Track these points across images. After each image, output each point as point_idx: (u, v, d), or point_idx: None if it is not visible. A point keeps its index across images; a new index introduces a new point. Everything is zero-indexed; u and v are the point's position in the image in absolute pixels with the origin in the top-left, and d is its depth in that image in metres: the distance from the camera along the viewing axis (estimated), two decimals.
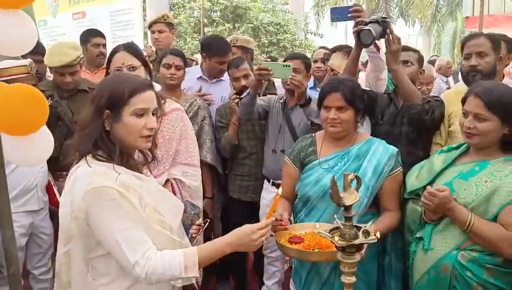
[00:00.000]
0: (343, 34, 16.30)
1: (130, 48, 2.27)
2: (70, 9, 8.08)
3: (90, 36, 3.89)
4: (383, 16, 2.33)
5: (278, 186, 2.75)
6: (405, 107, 2.34)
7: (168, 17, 4.04)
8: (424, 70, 2.72)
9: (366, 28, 2.21)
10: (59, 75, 2.96)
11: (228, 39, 3.80)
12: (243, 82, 2.97)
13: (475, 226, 1.70)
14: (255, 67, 2.82)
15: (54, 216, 2.80)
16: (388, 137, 2.23)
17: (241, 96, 2.83)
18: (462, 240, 1.75)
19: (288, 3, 15.49)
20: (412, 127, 2.35)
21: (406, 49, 2.57)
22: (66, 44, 3.07)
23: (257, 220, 2.98)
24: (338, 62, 2.85)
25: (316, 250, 1.68)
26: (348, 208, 1.40)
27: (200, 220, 1.84)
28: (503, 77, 2.66)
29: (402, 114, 2.40)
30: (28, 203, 2.71)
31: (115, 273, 1.43)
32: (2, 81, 2.91)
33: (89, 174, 1.38)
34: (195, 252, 1.42)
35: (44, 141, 2.02)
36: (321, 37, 15.58)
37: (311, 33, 15.28)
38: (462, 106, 1.85)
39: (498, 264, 1.71)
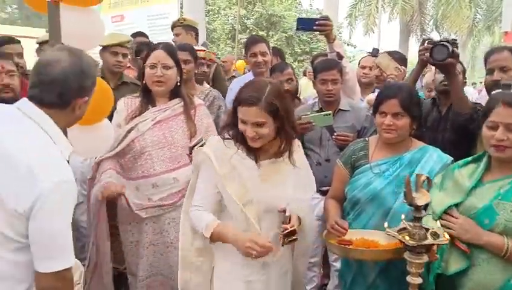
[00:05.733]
0: (376, 43, 16.17)
1: (168, 48, 2.45)
2: (109, 12, 8.33)
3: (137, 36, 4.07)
4: (453, 38, 2.37)
5: (322, 193, 2.80)
6: (454, 114, 2.34)
7: (184, 20, 4.19)
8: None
9: (442, 43, 2.24)
10: (113, 55, 3.15)
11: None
12: (286, 86, 3.02)
13: None
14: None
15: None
16: (431, 143, 2.22)
17: None
18: None
19: (322, 13, 15.53)
20: (456, 134, 2.35)
21: None
22: (118, 33, 3.36)
23: None
24: (385, 62, 2.88)
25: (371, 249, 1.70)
26: (418, 209, 1.42)
27: None
28: None
29: (445, 120, 2.40)
30: None
31: None
32: None
33: None
34: (215, 224, 1.79)
35: (106, 131, 2.12)
36: (354, 47, 15.53)
37: (345, 43, 15.25)
38: (485, 118, 1.74)
39: None
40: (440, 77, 2.58)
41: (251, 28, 13.81)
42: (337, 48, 2.96)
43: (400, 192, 1.91)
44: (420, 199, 1.42)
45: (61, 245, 1.40)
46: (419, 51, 2.38)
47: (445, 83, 2.47)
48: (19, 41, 3.20)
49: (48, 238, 1.37)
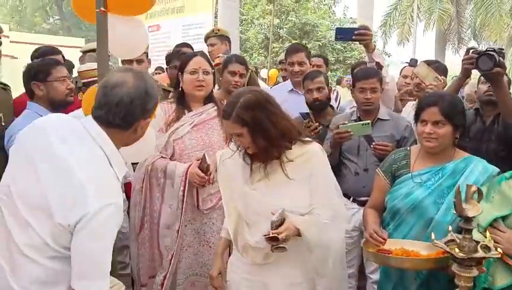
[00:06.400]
0: (411, 53, 15.90)
1: (204, 55, 2.56)
2: (146, 22, 8.57)
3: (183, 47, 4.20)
4: (500, 48, 2.33)
5: (360, 203, 2.77)
6: (503, 126, 2.27)
7: (218, 31, 4.28)
8: None
9: (488, 52, 2.20)
10: (128, 63, 3.26)
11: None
12: (316, 95, 3.02)
13: None
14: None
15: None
16: (474, 154, 2.16)
17: (308, 121, 2.86)
18: None
19: (356, 22, 15.43)
20: (503, 145, 2.28)
21: None
22: None
23: None
24: (424, 71, 2.83)
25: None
26: (468, 220, 1.39)
27: None
28: None
29: (490, 131, 2.33)
30: None
31: None
32: (86, 82, 3.24)
33: None
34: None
35: (148, 136, 2.17)
36: (389, 56, 15.32)
37: (378, 49, 15.12)
38: None
39: None
40: (484, 87, 2.51)
41: (284, 37, 13.86)
42: (377, 58, 2.94)
43: (442, 202, 1.88)
44: (471, 210, 1.38)
45: (97, 268, 1.40)
46: (463, 60, 2.33)
47: (490, 93, 2.41)
48: (60, 52, 3.36)
49: (84, 257, 1.38)
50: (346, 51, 13.56)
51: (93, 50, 3.59)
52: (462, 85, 2.51)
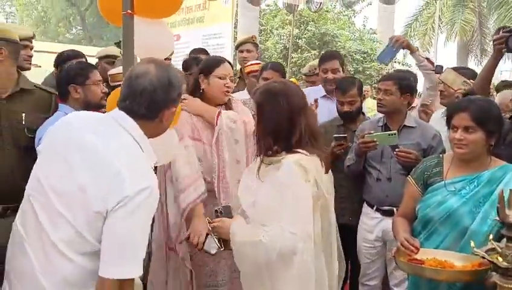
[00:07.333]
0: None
1: (229, 63, 2.59)
2: None
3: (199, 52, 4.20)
4: None
5: (383, 212, 2.71)
6: None
7: (255, 39, 4.48)
8: None
9: None
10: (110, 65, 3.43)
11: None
12: (346, 108, 2.97)
13: None
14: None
15: None
16: (510, 162, 2.08)
17: (342, 142, 2.80)
18: None
19: (376, 33, 15.32)
20: None
21: None
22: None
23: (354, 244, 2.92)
24: (451, 77, 2.79)
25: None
26: (511, 227, 1.31)
27: None
28: None
29: None
30: None
31: None
32: (116, 84, 3.27)
33: None
34: None
35: (173, 140, 2.15)
36: (409, 67, 15.14)
37: (399, 63, 14.92)
38: None
39: None
40: None
41: (303, 47, 13.84)
42: (424, 55, 3.11)
43: (478, 212, 1.80)
44: None
45: (130, 251, 1.38)
46: (494, 40, 2.29)
47: None
48: (83, 55, 3.40)
49: (116, 239, 1.36)
50: (365, 62, 13.45)
51: (107, 56, 3.74)
52: (495, 67, 2.43)
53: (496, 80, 4.98)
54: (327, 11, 14.20)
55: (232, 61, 7.33)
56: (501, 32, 2.25)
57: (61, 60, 3.30)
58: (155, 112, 1.52)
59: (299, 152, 1.76)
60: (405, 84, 2.76)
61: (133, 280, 1.41)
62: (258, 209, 1.74)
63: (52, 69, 3.72)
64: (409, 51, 3.22)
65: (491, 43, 2.32)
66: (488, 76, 2.45)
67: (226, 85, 2.47)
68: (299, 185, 1.68)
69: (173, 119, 1.61)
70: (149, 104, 1.49)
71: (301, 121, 1.77)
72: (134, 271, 1.39)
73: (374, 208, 2.78)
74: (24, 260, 1.44)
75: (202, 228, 2.13)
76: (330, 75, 3.32)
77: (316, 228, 1.71)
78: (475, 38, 17.66)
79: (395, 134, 2.57)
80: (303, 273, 1.63)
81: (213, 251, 1.99)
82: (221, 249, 1.84)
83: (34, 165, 1.55)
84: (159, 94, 1.49)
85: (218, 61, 2.53)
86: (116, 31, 17.84)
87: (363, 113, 3.22)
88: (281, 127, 1.76)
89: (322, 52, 13.48)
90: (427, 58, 3.06)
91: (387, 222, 2.65)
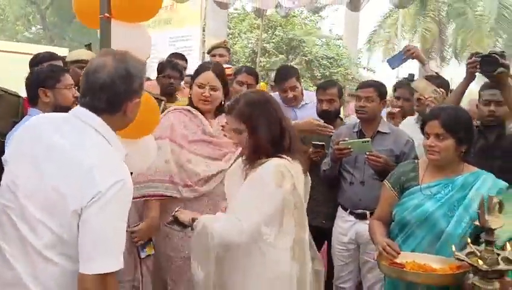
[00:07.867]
0: (396, 70, 16.14)
1: (217, 70, 2.49)
2: None
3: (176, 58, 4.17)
4: (502, 50, 2.43)
5: (356, 215, 2.75)
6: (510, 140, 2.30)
7: (227, 43, 4.57)
8: None
9: (491, 55, 2.25)
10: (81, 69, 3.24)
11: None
12: (325, 107, 3.02)
13: None
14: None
15: None
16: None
17: (319, 150, 2.84)
18: None
19: (342, 39, 15.65)
20: (509, 161, 2.28)
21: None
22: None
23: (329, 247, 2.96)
24: (423, 85, 2.89)
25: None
26: (491, 232, 1.37)
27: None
28: None
29: (494, 147, 2.34)
30: None
31: None
32: None
33: None
34: None
35: (151, 147, 2.11)
36: (373, 72, 15.56)
37: (363, 68, 15.32)
38: None
39: None
40: (485, 109, 2.51)
41: (271, 52, 13.94)
42: (434, 69, 3.22)
43: (452, 215, 1.89)
44: (494, 222, 1.38)
45: (106, 245, 1.36)
46: (468, 64, 2.40)
47: (491, 114, 2.44)
48: (60, 58, 3.27)
49: (92, 234, 1.34)
50: (332, 67, 13.70)
51: (79, 61, 3.45)
52: (466, 89, 2.55)
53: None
54: (294, 16, 14.37)
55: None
56: (473, 57, 2.37)
57: (35, 62, 3.15)
58: (117, 105, 1.48)
59: (284, 157, 1.80)
60: (383, 91, 2.86)
61: (114, 274, 1.38)
62: (233, 203, 1.88)
63: (9, 68, 3.58)
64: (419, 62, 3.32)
65: (450, 50, 2.48)
66: (460, 97, 2.59)
67: (203, 94, 2.42)
68: (268, 186, 1.77)
69: (138, 111, 1.55)
70: (109, 97, 1.45)
71: (287, 125, 1.87)
72: (113, 265, 1.36)
73: (348, 211, 2.83)
74: (9, 272, 1.40)
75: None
76: (290, 94, 3.28)
77: (290, 232, 1.81)
78: (435, 46, 18.36)
79: (368, 141, 2.64)
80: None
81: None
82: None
83: (3, 175, 1.49)
84: (119, 86, 1.45)
85: (202, 68, 2.50)
86: (79, 31, 17.31)
87: (341, 118, 3.27)
88: (276, 133, 1.83)
89: (290, 56, 13.71)
90: (436, 73, 3.15)
91: (361, 225, 2.72)
